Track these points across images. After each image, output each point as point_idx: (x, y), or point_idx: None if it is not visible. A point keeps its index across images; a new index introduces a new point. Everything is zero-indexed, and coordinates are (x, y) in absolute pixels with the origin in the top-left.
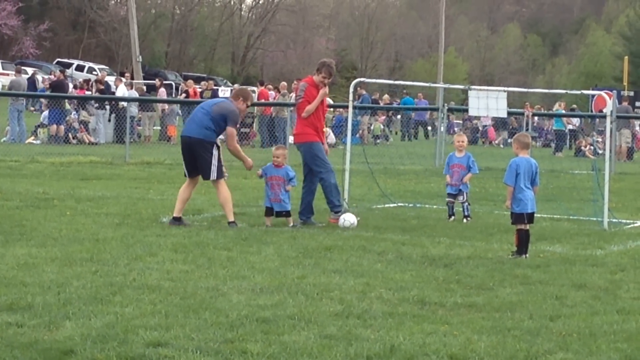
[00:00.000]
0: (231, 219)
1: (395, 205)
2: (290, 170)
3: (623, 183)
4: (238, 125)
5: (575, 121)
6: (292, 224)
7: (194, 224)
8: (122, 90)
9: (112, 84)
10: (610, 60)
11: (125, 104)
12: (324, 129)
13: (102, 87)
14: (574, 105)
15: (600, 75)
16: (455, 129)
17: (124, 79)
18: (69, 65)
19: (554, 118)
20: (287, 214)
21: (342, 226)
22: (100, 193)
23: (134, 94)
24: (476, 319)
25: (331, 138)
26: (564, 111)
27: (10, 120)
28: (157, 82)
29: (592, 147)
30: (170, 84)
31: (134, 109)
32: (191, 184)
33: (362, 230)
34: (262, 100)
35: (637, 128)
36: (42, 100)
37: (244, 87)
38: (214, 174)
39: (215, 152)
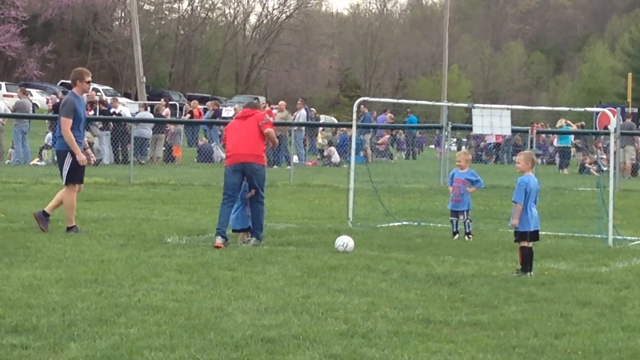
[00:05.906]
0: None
1: (399, 223)
2: None
3: (628, 200)
4: (73, 112)
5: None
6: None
7: (199, 244)
8: (124, 111)
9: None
10: (613, 77)
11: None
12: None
13: (104, 107)
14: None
15: (603, 92)
16: (453, 147)
17: (122, 99)
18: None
19: (558, 135)
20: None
21: (342, 251)
22: (105, 214)
23: (149, 115)
24: (481, 338)
25: (335, 157)
26: (569, 128)
27: (15, 142)
28: (161, 102)
29: (596, 164)
30: (175, 105)
31: (147, 131)
32: None
33: (366, 249)
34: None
35: None
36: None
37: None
38: (65, 179)
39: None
